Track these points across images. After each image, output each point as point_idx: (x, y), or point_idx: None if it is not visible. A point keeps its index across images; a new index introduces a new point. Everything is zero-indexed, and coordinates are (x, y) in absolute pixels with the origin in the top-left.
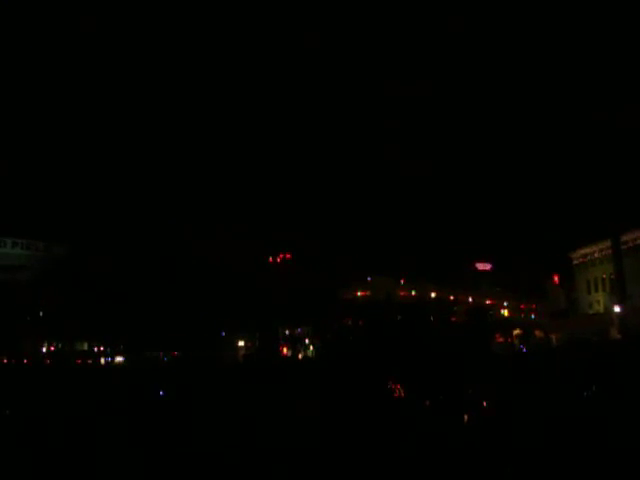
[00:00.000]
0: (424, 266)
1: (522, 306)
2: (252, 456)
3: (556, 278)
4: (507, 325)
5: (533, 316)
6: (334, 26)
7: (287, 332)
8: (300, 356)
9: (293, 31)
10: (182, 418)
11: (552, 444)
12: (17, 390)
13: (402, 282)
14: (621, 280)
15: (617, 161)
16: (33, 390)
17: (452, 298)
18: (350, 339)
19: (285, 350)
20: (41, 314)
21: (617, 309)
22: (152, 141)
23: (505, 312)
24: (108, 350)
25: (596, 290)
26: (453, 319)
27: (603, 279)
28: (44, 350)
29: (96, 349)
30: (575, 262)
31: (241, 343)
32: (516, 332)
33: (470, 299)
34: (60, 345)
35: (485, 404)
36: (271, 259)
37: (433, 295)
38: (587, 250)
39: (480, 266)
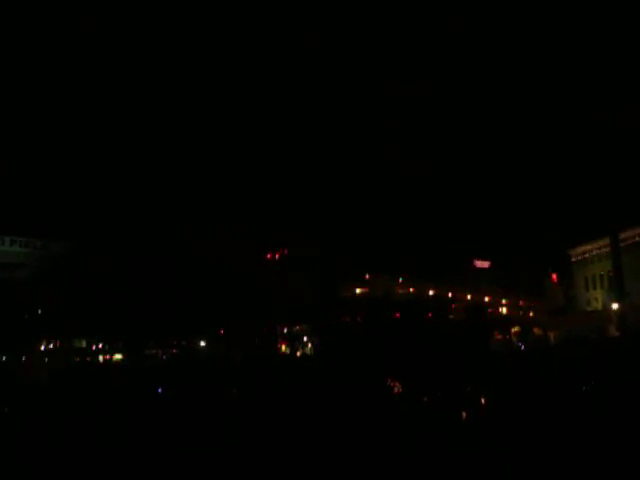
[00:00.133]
0: (423, 264)
1: (520, 303)
2: (252, 454)
3: (554, 276)
4: (505, 322)
5: (531, 314)
6: (334, 26)
7: (285, 330)
8: (298, 354)
9: (293, 31)
10: (181, 416)
11: (551, 441)
12: (16, 388)
13: (401, 280)
14: (619, 277)
15: (616, 160)
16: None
17: (450, 296)
18: (348, 336)
19: (283, 348)
20: (39, 312)
21: (615, 306)
22: (152, 141)
23: (503, 310)
24: (107, 348)
25: (594, 287)
26: (451, 316)
27: (601, 276)
28: (42, 348)
29: (94, 347)
30: (573, 259)
31: (239, 341)
32: (514, 329)
33: (468, 297)
34: (58, 343)
35: (483, 401)
36: (270, 256)
37: (431, 293)
38: (586, 247)
39: (478, 264)
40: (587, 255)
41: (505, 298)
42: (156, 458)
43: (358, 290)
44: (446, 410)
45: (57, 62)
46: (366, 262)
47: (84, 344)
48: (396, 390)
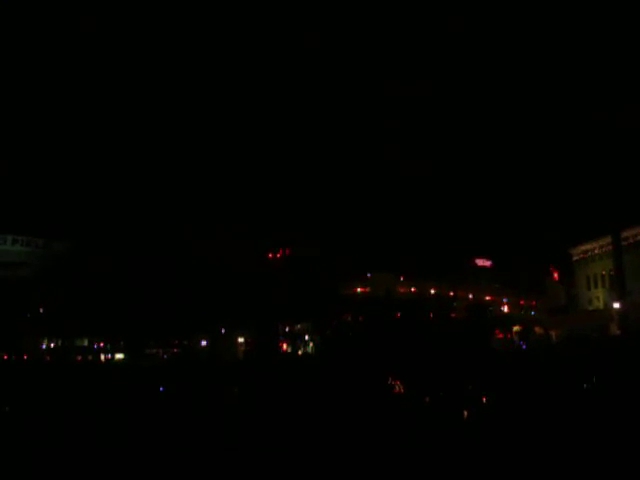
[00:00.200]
0: (424, 263)
1: (522, 302)
2: (253, 453)
3: (556, 274)
4: (507, 321)
5: (533, 312)
6: (334, 26)
7: (287, 328)
8: (300, 352)
9: (293, 31)
10: (182, 415)
11: (552, 440)
12: (17, 386)
13: (402, 278)
14: (621, 276)
15: (618, 159)
16: (33, 386)
17: (452, 294)
18: (350, 335)
19: (285, 346)
20: (41, 311)
21: (617, 305)
22: (152, 141)
23: (505, 308)
24: (108, 347)
25: (596, 286)
26: (453, 315)
27: (603, 275)
28: (44, 347)
29: (96, 346)
30: (575, 258)
31: (241, 339)
32: (516, 328)
33: (470, 295)
34: (60, 342)
35: (485, 400)
36: (271, 255)
37: (433, 291)
38: (587, 246)
39: (480, 263)
40: (588, 254)
41: (506, 297)
42: (157, 457)
43: (359, 289)
44: (448, 409)
45: (57, 62)
46: (368, 261)
47: (86, 343)
48: (398, 389)
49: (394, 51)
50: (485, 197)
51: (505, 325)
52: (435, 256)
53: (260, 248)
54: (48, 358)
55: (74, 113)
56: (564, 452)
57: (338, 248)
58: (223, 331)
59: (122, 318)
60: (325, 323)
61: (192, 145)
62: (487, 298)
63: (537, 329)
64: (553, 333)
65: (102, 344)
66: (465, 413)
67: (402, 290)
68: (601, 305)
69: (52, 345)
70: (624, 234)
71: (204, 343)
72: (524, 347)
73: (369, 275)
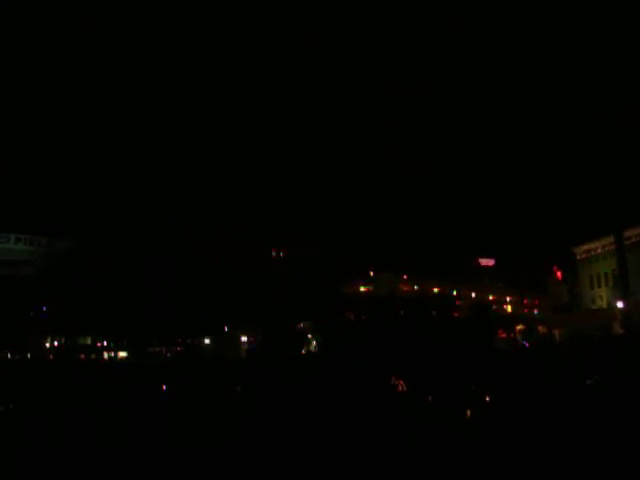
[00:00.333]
0: (427, 262)
1: (525, 301)
2: (255, 451)
3: (559, 274)
4: (510, 320)
5: (536, 311)
6: (334, 26)
7: (288, 328)
8: (303, 351)
9: (293, 31)
10: (183, 413)
11: (555, 439)
12: (20, 384)
13: (405, 278)
14: (624, 275)
15: (621, 159)
16: (36, 384)
17: (455, 293)
18: (352, 334)
19: (287, 345)
20: (44, 309)
21: (620, 304)
22: (152, 141)
23: (508, 307)
24: (111, 345)
25: (599, 285)
26: (456, 314)
27: (606, 274)
28: (47, 345)
29: (99, 344)
30: (578, 257)
31: (244, 338)
32: (519, 327)
33: (473, 294)
34: (63, 340)
35: (488, 400)
36: (273, 253)
37: (436, 290)
38: (590, 246)
39: (483, 262)
40: (592, 253)
41: (509, 296)
42: (158, 455)
43: (362, 288)
44: (450, 408)
45: (58, 62)
46: (370, 260)
47: (89, 341)
48: (400, 388)
49: (394, 51)
50: (488, 197)
51: (508, 324)
52: (438, 255)
53: (261, 247)
54: (51, 357)
55: (75, 113)
56: (566, 451)
57: (338, 248)
58: (226, 330)
59: (125, 316)
60: (327, 322)
61: (192, 145)
62: (490, 297)
63: (540, 328)
64: (556, 332)
65: (105, 342)
66: (468, 412)
67: (405, 289)
68: (604, 304)
69: (55, 343)
70: (627, 233)
71: (207, 342)
72: (527, 346)
73: (372, 274)
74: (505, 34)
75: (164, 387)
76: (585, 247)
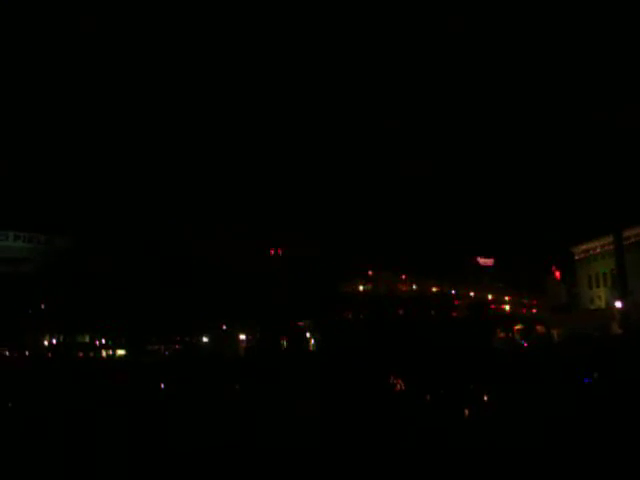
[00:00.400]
0: (425, 262)
1: (523, 301)
2: (253, 450)
3: (557, 273)
4: (508, 320)
5: (534, 311)
6: (334, 26)
7: (288, 326)
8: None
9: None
10: (182, 411)
11: (553, 440)
12: (19, 382)
13: (403, 277)
14: (623, 275)
15: (620, 159)
16: (35, 382)
17: (453, 293)
18: (351, 333)
19: (285, 344)
20: (43, 307)
21: (618, 304)
22: (152, 140)
23: (506, 307)
24: (110, 343)
25: (597, 285)
26: (454, 314)
27: (605, 274)
28: (46, 343)
29: (97, 342)
30: (577, 257)
31: (242, 336)
32: (517, 327)
33: (471, 294)
34: (62, 338)
35: (486, 399)
36: (272, 252)
37: (434, 290)
38: (589, 245)
39: (482, 261)
40: (590, 253)
41: (508, 296)
42: (156, 453)
43: (361, 287)
44: (449, 408)
45: (58, 62)
46: (369, 259)
47: (87, 339)
48: (399, 387)
49: (394, 51)
50: (487, 196)
51: (506, 324)
52: (437, 255)
53: (260, 247)
54: (50, 354)
55: (75, 112)
56: (565, 450)
57: (337, 247)
58: (224, 328)
59: (124, 314)
60: (326, 321)
61: (192, 145)
62: (489, 297)
63: (539, 328)
64: (555, 332)
65: (104, 340)
66: (466, 412)
67: (404, 288)
68: (603, 304)
69: (54, 341)
70: (626, 233)
71: (205, 340)
72: (525, 345)
73: (371, 273)
74: (505, 34)
75: (162, 385)
76: (584, 247)
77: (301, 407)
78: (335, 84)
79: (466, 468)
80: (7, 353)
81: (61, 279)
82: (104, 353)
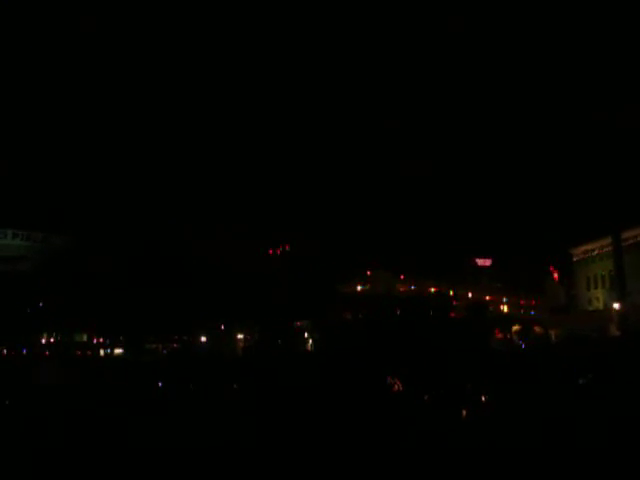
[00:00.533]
0: (424, 262)
1: (521, 302)
2: (252, 451)
3: (556, 274)
4: (506, 321)
5: (532, 312)
6: (334, 26)
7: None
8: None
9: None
10: (180, 410)
11: (551, 441)
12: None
13: (402, 277)
14: (621, 277)
15: (619, 159)
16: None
17: (452, 293)
18: (349, 333)
19: (284, 343)
20: (41, 305)
21: (616, 306)
22: (152, 140)
23: (504, 308)
24: (107, 342)
25: (596, 287)
26: (452, 314)
27: (603, 276)
28: (43, 341)
29: (95, 341)
30: (575, 259)
31: (240, 336)
32: (515, 328)
33: (470, 294)
34: (59, 336)
35: (484, 399)
36: (271, 251)
37: (433, 290)
38: (587, 247)
39: (480, 262)
40: (589, 254)
41: (506, 296)
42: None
43: (359, 287)
44: (447, 408)
45: (58, 62)
46: (368, 259)
47: (85, 338)
48: (397, 387)
49: (394, 51)
50: (485, 197)
51: (505, 325)
52: (435, 255)
53: (260, 246)
54: (47, 353)
55: (75, 111)
56: (562, 451)
57: (336, 247)
58: (223, 327)
59: (122, 313)
60: (324, 321)
61: (192, 145)
62: (487, 297)
63: (536, 329)
64: (552, 333)
65: (101, 339)
66: (464, 412)
67: (402, 289)
68: (601, 305)
69: (51, 340)
70: (624, 235)
71: (204, 339)
72: (523, 346)
73: (369, 273)
74: (505, 34)
75: (160, 384)
76: (582, 248)
77: (298, 406)
78: (335, 84)
79: (465, 468)
80: (4, 352)
81: (59, 277)
82: (102, 352)
